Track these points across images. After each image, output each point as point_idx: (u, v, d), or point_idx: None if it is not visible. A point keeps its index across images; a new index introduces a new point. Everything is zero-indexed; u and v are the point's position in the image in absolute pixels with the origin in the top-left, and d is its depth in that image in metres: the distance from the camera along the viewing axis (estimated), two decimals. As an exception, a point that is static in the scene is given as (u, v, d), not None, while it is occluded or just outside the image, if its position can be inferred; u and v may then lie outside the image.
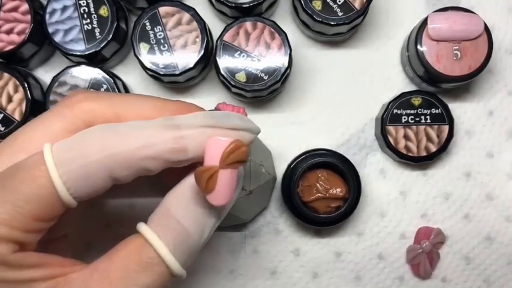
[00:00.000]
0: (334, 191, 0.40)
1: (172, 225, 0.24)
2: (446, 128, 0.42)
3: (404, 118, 0.42)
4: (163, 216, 0.24)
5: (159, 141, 0.23)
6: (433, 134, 0.42)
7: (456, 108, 0.44)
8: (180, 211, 0.24)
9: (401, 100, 0.42)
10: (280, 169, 0.43)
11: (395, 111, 0.42)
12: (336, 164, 0.40)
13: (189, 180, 0.25)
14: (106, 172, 0.23)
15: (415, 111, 0.42)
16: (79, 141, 0.24)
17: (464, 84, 0.42)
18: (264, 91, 0.40)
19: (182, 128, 0.24)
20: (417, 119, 0.42)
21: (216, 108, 0.28)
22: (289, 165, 0.42)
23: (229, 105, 0.28)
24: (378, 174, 0.44)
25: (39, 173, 0.23)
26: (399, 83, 0.44)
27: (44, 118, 0.26)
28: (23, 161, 0.24)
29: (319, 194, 0.40)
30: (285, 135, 0.44)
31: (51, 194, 0.23)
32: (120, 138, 0.23)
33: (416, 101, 0.42)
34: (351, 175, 0.40)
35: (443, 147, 0.42)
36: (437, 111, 0.42)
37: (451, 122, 0.42)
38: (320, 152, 0.42)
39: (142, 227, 0.24)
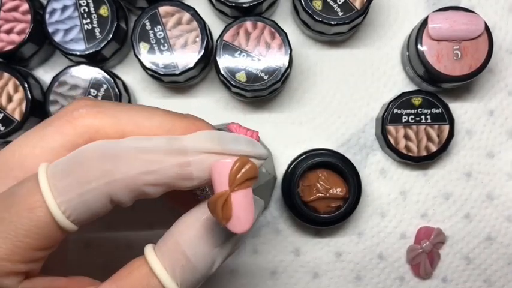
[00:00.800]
0: (335, 191, 0.40)
1: (181, 260, 0.23)
2: (446, 127, 0.42)
3: (405, 118, 0.42)
4: (172, 249, 0.23)
5: (164, 166, 0.22)
6: (433, 133, 0.42)
7: (457, 108, 0.44)
8: (190, 247, 0.23)
9: (402, 100, 0.42)
10: (281, 169, 0.43)
11: (395, 111, 0.42)
12: (336, 164, 0.40)
13: (199, 212, 0.24)
14: (106, 198, 0.22)
15: (416, 111, 0.42)
16: (76, 165, 0.22)
17: (464, 84, 0.42)
18: (264, 91, 0.40)
19: (188, 153, 0.23)
20: (417, 118, 0.42)
21: (227, 129, 0.26)
22: (289, 165, 0.42)
23: (243, 129, 0.25)
24: (378, 174, 0.44)
25: (36, 204, 0.22)
26: (399, 83, 0.44)
27: (43, 134, 0.24)
28: (18, 188, 0.23)
29: (320, 194, 0.40)
30: (285, 135, 0.44)
31: (50, 224, 0.22)
32: (120, 163, 0.22)
33: (417, 100, 0.42)
34: (351, 175, 0.40)
35: (444, 147, 0.42)
36: (437, 111, 0.42)
37: (451, 121, 0.42)
38: (320, 151, 0.42)
39: (150, 255, 0.23)
